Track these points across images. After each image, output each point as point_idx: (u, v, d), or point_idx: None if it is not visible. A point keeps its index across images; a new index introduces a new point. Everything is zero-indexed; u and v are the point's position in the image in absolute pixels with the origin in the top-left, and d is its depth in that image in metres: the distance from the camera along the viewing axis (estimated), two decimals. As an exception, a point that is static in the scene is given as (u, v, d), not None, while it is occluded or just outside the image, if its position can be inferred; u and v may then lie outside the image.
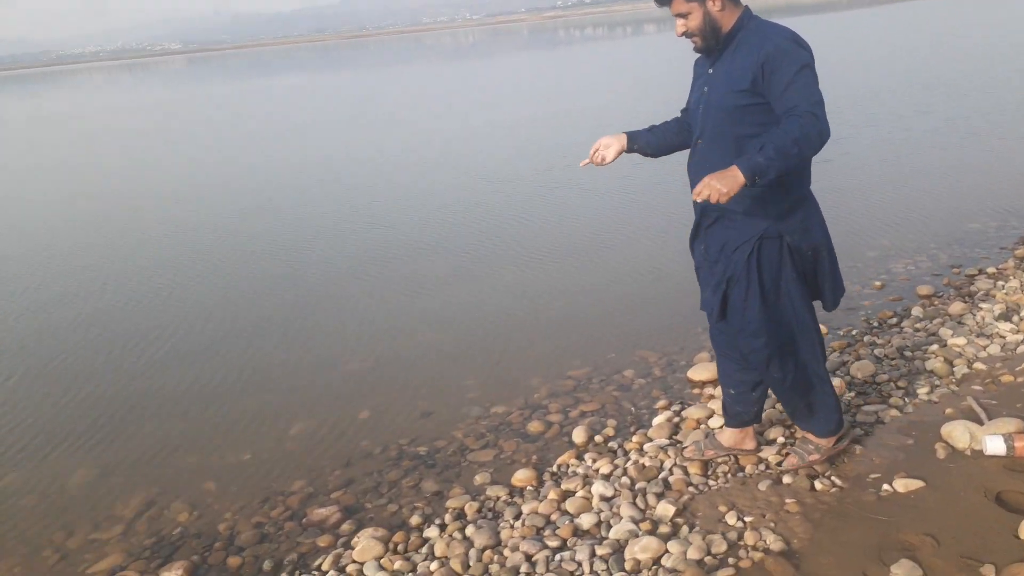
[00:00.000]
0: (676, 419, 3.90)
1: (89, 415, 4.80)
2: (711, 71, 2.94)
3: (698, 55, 3.04)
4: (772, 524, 2.93)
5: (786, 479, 3.19)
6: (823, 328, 4.35)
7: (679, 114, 3.26)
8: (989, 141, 10.10)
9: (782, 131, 2.61)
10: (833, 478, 3.17)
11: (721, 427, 3.56)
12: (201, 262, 7.83)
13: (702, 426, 3.76)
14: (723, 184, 2.55)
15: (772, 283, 2.95)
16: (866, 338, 4.62)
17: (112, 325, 6.28)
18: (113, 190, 12.82)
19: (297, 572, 3.16)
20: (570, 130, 14.22)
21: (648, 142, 3.25)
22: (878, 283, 5.58)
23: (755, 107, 2.79)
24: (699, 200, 2.63)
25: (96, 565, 3.37)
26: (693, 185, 3.02)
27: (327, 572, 3.10)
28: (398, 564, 3.04)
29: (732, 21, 2.85)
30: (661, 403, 4.17)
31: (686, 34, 2.89)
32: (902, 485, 3.05)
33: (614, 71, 28.59)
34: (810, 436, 3.28)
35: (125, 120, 27.27)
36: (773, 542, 2.83)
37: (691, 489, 3.25)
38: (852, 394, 3.89)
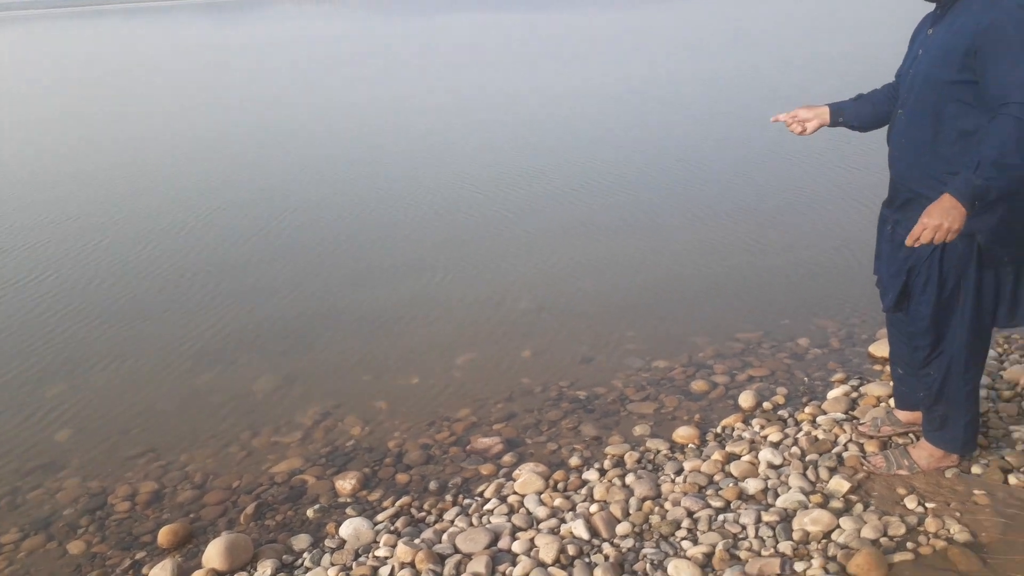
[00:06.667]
0: (854, 394, 3.70)
1: (273, 328, 5.15)
2: (931, 31, 2.62)
3: (924, 13, 2.71)
4: (958, 514, 2.75)
5: (975, 469, 2.97)
6: None
7: (894, 78, 2.93)
8: None
9: (996, 139, 2.28)
10: (1031, 475, 2.92)
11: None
12: (382, 193, 8.16)
13: (882, 404, 3.55)
14: (945, 221, 2.34)
15: (953, 284, 2.65)
16: (1077, 330, 4.19)
17: (297, 248, 6.68)
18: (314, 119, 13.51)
19: (460, 495, 3.28)
20: (760, 86, 13.61)
21: (855, 114, 2.97)
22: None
23: (966, 84, 2.44)
24: (916, 246, 2.46)
25: (277, 466, 3.63)
26: (892, 158, 2.78)
27: (489, 499, 3.19)
28: (558, 501, 3.10)
29: None
30: (838, 376, 3.97)
31: None
32: (1113, 492, 2.78)
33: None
34: (922, 447, 3.01)
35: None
36: (958, 532, 2.65)
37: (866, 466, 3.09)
38: (1058, 388, 3.56)
